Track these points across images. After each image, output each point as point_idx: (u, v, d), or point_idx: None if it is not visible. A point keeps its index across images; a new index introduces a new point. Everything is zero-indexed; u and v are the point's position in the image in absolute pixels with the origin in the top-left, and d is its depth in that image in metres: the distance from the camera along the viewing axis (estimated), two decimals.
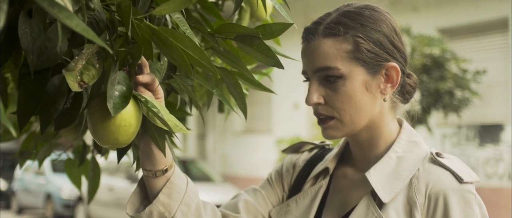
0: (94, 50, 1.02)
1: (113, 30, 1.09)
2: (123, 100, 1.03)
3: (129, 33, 1.04)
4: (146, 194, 1.27)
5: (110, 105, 1.01)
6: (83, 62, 1.00)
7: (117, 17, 1.08)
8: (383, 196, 1.20)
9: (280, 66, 1.22)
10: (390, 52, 1.23)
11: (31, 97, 1.03)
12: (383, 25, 1.23)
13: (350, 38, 1.20)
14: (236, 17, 1.69)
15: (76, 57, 1.01)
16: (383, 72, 1.23)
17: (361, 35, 1.20)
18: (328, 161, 1.35)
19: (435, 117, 9.56)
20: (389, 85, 1.24)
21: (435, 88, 8.08)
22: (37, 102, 1.03)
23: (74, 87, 0.99)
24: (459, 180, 1.17)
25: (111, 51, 0.88)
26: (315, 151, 1.45)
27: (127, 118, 1.06)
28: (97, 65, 1.02)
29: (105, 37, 1.06)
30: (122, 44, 1.09)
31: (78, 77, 0.99)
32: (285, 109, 13.30)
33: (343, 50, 1.20)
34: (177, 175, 1.25)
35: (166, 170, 1.22)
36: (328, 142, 1.46)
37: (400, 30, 1.27)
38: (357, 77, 1.20)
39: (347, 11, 1.23)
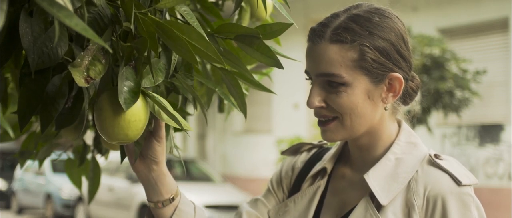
0: (100, 45, 1.02)
1: (118, 25, 1.09)
2: (133, 96, 1.03)
3: (132, 27, 1.04)
4: None
5: (121, 101, 1.01)
6: (89, 58, 1.01)
7: (123, 12, 1.08)
8: (382, 199, 1.20)
9: (280, 66, 1.21)
10: (395, 62, 1.22)
11: (32, 97, 1.03)
12: (391, 34, 1.21)
13: (357, 47, 1.19)
14: (236, 17, 1.69)
15: (82, 53, 1.01)
16: (386, 82, 1.22)
17: (367, 44, 1.18)
18: (326, 161, 1.35)
19: (435, 117, 9.56)
20: (390, 94, 1.23)
21: (435, 88, 8.09)
22: (37, 102, 1.03)
23: (81, 82, 0.99)
24: (458, 182, 1.17)
25: (110, 50, 0.88)
26: (313, 151, 1.45)
27: (137, 113, 1.07)
28: (103, 60, 1.02)
29: (109, 33, 1.06)
30: (129, 39, 1.08)
31: (85, 73, 0.99)
32: (285, 109, 13.30)
33: (349, 59, 1.19)
34: (184, 201, 1.28)
35: (173, 199, 1.25)
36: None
37: (408, 37, 1.26)
38: (359, 86, 1.19)
39: (356, 15, 1.21)
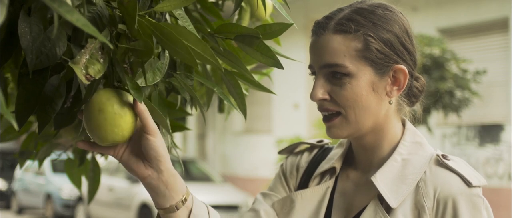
0: (97, 45, 1.02)
1: (113, 27, 1.09)
2: (138, 93, 1.04)
3: (137, 27, 1.03)
4: None
5: (138, 99, 1.02)
6: (87, 57, 1.00)
7: (118, 14, 1.08)
8: (391, 201, 1.18)
9: (280, 66, 1.21)
10: (400, 54, 1.21)
11: (30, 96, 1.03)
12: (395, 26, 1.21)
13: (361, 37, 1.18)
14: (236, 17, 1.69)
15: (82, 50, 1.01)
16: (390, 74, 1.21)
17: (371, 35, 1.18)
18: (334, 160, 1.33)
19: (435, 117, 9.56)
20: (395, 88, 1.22)
21: (435, 88, 8.09)
22: (35, 101, 1.03)
23: (83, 79, 0.99)
24: (468, 184, 1.16)
25: (111, 46, 0.88)
26: (315, 150, 1.43)
27: (134, 114, 1.07)
28: (102, 60, 1.02)
29: (107, 34, 1.06)
30: (123, 42, 1.08)
31: (84, 71, 0.99)
32: (285, 108, 13.29)
33: (353, 48, 1.18)
34: (197, 205, 1.18)
35: (185, 199, 1.15)
36: (326, 140, 1.45)
37: (412, 32, 1.25)
38: (364, 77, 1.19)
39: (360, 8, 1.22)
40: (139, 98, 1.03)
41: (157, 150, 1.10)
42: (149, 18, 1.05)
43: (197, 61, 1.06)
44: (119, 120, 1.05)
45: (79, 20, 0.73)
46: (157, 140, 1.10)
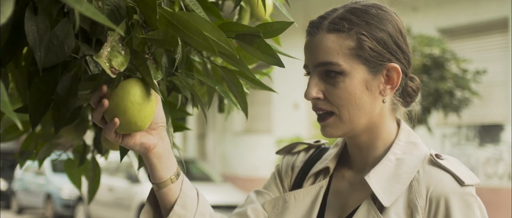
0: (117, 37, 1.01)
1: (128, 17, 1.09)
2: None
3: (157, 17, 1.03)
4: (155, 212, 1.23)
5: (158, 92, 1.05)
6: (108, 49, 0.99)
7: (130, 4, 1.07)
8: (384, 200, 1.19)
9: (281, 65, 1.21)
10: (393, 53, 1.22)
11: (42, 96, 1.03)
12: (388, 25, 1.22)
13: (354, 35, 1.19)
14: (236, 17, 1.69)
15: (105, 44, 1.00)
16: (384, 73, 1.22)
17: (365, 33, 1.19)
18: (328, 160, 1.34)
19: (435, 117, 9.55)
20: (388, 86, 1.23)
21: (435, 88, 8.08)
22: (48, 101, 1.03)
23: (109, 72, 0.98)
24: (460, 182, 1.17)
25: (123, 34, 0.87)
26: (311, 151, 1.43)
27: (155, 103, 1.10)
28: (123, 52, 1.01)
29: (123, 25, 1.05)
30: (138, 32, 1.08)
31: (107, 64, 0.98)
32: (285, 108, 13.29)
33: (346, 47, 1.19)
34: (187, 185, 1.21)
35: (178, 174, 1.19)
36: (323, 140, 1.45)
37: (406, 32, 1.26)
38: (357, 75, 1.19)
39: (354, 8, 1.23)
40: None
41: (163, 114, 1.16)
42: (165, 7, 1.05)
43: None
44: (148, 108, 1.07)
45: (89, 10, 0.72)
46: (161, 106, 1.15)
